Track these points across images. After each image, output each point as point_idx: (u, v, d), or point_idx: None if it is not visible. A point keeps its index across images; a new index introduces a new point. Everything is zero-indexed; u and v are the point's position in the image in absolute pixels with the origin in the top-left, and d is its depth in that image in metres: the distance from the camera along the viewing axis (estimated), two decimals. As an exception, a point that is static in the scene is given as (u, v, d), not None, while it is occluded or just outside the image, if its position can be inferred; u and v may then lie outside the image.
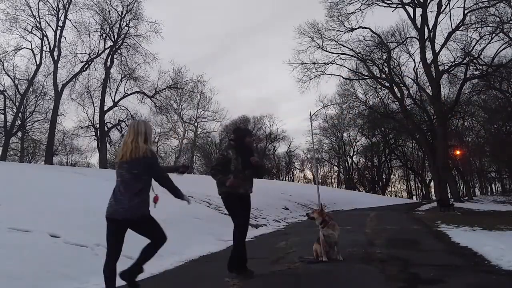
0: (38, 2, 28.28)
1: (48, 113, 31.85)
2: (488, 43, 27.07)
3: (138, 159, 3.46)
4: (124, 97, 32.80)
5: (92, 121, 32.61)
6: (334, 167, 64.45)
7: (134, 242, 3.68)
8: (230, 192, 4.60)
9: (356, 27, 30.01)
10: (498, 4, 25.26)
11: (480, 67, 28.41)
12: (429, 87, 29.69)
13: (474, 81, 30.31)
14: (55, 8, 29.12)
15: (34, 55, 29.05)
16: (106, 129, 32.00)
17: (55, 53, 29.04)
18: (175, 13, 78.27)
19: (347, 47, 31.02)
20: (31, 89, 31.02)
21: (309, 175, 64.34)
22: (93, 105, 32.34)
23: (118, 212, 3.43)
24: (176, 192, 3.71)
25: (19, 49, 28.91)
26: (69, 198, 8.73)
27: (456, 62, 28.51)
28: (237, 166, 4.62)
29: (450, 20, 35.40)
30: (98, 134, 31.70)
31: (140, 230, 3.60)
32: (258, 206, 15.08)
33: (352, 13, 29.39)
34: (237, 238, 4.62)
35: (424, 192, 58.21)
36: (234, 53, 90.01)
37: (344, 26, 30.08)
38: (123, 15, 30.93)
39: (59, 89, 28.92)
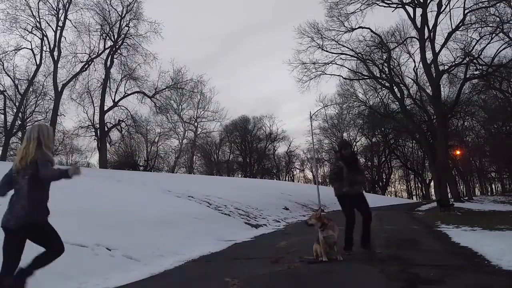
0: (38, 2, 28.28)
1: (48, 113, 31.83)
2: (488, 43, 27.11)
3: (27, 166, 3.46)
4: (124, 97, 32.83)
5: (92, 121, 32.64)
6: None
7: (133, 243, 3.67)
8: (343, 194, 6.04)
9: (356, 27, 30.04)
10: (498, 4, 25.28)
11: (480, 67, 28.40)
12: (429, 87, 29.68)
13: (474, 81, 30.31)
14: (55, 8, 29.11)
15: (34, 55, 29.05)
16: (106, 129, 32.00)
17: (55, 53, 29.03)
18: (175, 13, 78.25)
19: (347, 47, 31.05)
20: (31, 89, 30.97)
21: (309, 175, 64.43)
22: (93, 105, 32.39)
23: (11, 221, 3.40)
24: (64, 177, 3.50)
25: (19, 49, 28.90)
26: (69, 198, 8.72)
27: (456, 62, 28.52)
28: (347, 174, 5.99)
29: (450, 20, 35.30)
30: (98, 134, 31.70)
31: (35, 239, 3.54)
32: (258, 206, 15.09)
33: (352, 13, 29.41)
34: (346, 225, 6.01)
35: (424, 192, 58.20)
36: (234, 53, 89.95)
37: (344, 26, 30.12)
38: (123, 15, 30.95)
39: (59, 89, 28.90)
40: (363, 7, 28.73)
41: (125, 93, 32.79)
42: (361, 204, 6.09)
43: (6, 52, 28.28)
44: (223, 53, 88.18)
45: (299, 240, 7.89)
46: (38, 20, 28.53)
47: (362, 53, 31.27)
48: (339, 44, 30.83)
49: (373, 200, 33.92)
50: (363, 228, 6.02)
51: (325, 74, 31.62)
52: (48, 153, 3.55)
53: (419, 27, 28.25)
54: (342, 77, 33.81)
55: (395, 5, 29.29)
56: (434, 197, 36.71)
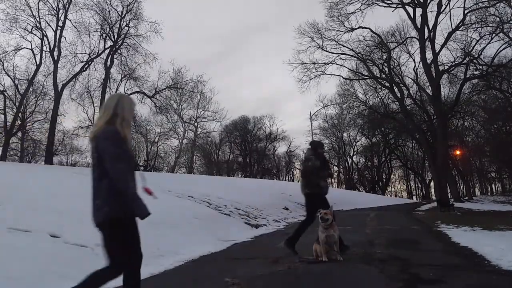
0: (38, 2, 28.23)
1: (48, 113, 31.83)
2: (488, 43, 27.07)
3: (93, 142, 2.80)
4: (124, 97, 32.79)
5: (92, 121, 32.62)
6: (334, 167, 64.35)
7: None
8: (319, 193, 6.10)
9: (356, 27, 30.00)
10: (498, 4, 25.23)
11: (480, 67, 28.38)
12: (429, 87, 29.66)
13: (474, 81, 30.30)
14: (55, 8, 29.07)
15: (34, 55, 29.00)
16: (106, 129, 31.96)
17: (55, 53, 28.99)
18: (176, 13, 78.30)
19: (347, 47, 31.01)
20: (31, 89, 30.93)
21: (309, 175, 64.22)
22: (93, 105, 32.44)
23: (93, 216, 2.86)
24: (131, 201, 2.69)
25: (19, 49, 28.84)
26: (69, 198, 8.72)
27: (456, 62, 28.50)
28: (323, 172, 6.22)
29: (450, 20, 35.41)
30: (98, 134, 31.67)
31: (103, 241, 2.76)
32: (258, 206, 15.07)
33: (352, 13, 29.37)
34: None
35: (424, 192, 58.18)
36: (234, 53, 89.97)
37: (344, 26, 30.07)
38: (123, 15, 30.92)
39: (59, 89, 28.87)
40: (363, 7, 28.73)
41: (125, 93, 32.79)
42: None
43: (6, 52, 28.25)
44: (223, 54, 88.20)
45: (299, 240, 7.89)
46: (38, 20, 28.52)
47: (362, 53, 31.27)
48: (339, 44, 30.84)
49: (373, 200, 34.07)
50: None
51: (325, 74, 31.62)
52: (110, 129, 2.73)
53: (419, 27, 28.22)
54: (342, 77, 33.84)
55: (395, 5, 29.27)
56: (434, 197, 36.70)
